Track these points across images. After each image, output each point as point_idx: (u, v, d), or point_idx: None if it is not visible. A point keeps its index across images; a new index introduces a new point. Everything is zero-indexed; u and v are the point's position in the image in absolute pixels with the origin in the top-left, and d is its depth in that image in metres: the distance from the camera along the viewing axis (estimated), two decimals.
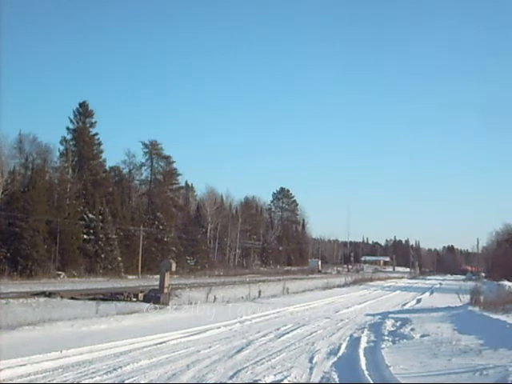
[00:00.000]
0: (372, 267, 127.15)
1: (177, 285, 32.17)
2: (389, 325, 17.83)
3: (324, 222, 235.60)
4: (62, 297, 24.21)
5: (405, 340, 13.64)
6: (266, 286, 38.87)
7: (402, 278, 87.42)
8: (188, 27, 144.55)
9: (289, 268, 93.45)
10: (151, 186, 69.07)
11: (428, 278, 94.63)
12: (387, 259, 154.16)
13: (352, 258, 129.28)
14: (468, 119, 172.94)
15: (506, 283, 40.53)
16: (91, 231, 49.84)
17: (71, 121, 56.99)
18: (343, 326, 17.99)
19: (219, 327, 16.06)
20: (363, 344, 13.12)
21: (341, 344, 13.28)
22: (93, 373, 8.98)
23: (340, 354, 11.79)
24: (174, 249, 60.99)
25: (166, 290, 24.59)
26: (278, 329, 16.35)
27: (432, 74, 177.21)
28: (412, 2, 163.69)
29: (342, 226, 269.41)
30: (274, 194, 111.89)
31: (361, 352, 11.62)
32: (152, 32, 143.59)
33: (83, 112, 57.10)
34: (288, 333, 15.50)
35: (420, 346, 12.33)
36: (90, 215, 50.29)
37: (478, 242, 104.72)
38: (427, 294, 44.50)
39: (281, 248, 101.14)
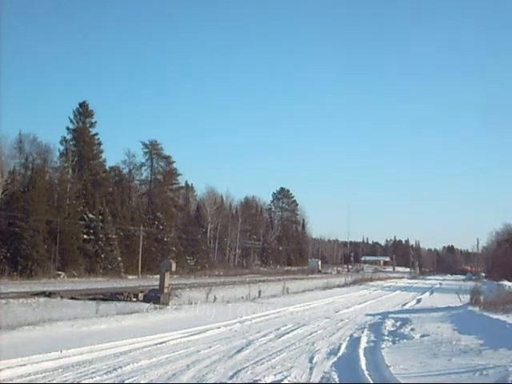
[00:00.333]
0: (372, 267, 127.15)
1: (177, 285, 32.17)
2: (389, 325, 17.83)
3: (324, 222, 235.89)
4: (62, 297, 24.21)
5: (405, 340, 13.64)
6: (266, 286, 38.87)
7: (402, 278, 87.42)
8: (188, 27, 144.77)
9: (289, 268, 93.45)
10: (151, 186, 69.07)
11: (428, 278, 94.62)
12: (387, 259, 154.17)
13: (352, 258, 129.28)
14: (468, 119, 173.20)
15: (506, 283, 40.53)
16: (91, 231, 49.85)
17: (71, 121, 57.09)
18: (343, 326, 17.99)
19: (219, 327, 16.06)
20: (363, 344, 13.12)
21: (341, 344, 13.28)
22: (93, 373, 8.98)
23: (340, 354, 11.79)
24: (174, 249, 61.00)
25: (166, 290, 24.59)
26: (278, 329, 16.36)
27: (432, 74, 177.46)
28: (412, 2, 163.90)
29: (342, 226, 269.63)
30: (274, 194, 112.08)
31: (361, 352, 11.62)
32: (152, 32, 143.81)
33: (83, 112, 57.10)
34: (288, 333, 15.50)
35: (420, 346, 12.33)
36: (90, 215, 50.30)
37: (478, 242, 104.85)
38: (427, 294, 44.50)
39: (281, 248, 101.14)
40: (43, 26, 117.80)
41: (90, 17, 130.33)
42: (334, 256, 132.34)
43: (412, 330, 15.62)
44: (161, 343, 12.57)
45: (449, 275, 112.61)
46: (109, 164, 62.04)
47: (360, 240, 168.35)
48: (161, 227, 60.60)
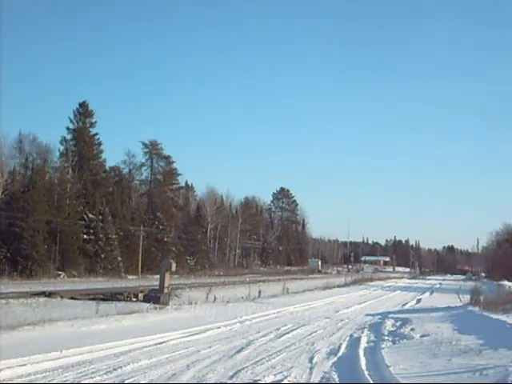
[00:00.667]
0: (372, 267, 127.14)
1: (177, 285, 32.17)
2: (389, 325, 17.82)
3: (324, 222, 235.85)
4: (62, 297, 24.20)
5: (405, 340, 13.64)
6: (266, 286, 38.87)
7: (402, 278, 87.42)
8: (188, 27, 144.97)
9: (289, 268, 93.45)
10: (151, 186, 69.06)
11: (428, 278, 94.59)
12: (387, 259, 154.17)
13: (352, 258, 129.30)
14: (468, 119, 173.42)
15: (506, 283, 40.53)
16: (91, 231, 49.85)
17: (71, 121, 57.06)
18: (343, 326, 17.99)
19: (219, 327, 16.06)
20: (363, 344, 13.12)
21: (341, 344, 13.28)
22: (93, 373, 8.98)
23: (340, 353, 11.79)
24: (173, 249, 61.00)
25: (166, 290, 24.58)
26: (278, 329, 16.36)
27: (432, 74, 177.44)
28: (412, 2, 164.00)
29: (342, 226, 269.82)
30: (274, 194, 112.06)
31: (361, 352, 11.62)
32: (152, 32, 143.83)
33: (83, 112, 57.08)
34: (288, 333, 15.50)
35: (420, 346, 12.33)
36: (90, 215, 50.30)
37: (478, 242, 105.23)
38: (427, 294, 44.49)
39: (281, 248, 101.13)
40: (43, 26, 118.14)
41: (90, 17, 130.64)
42: (334, 256, 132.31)
43: (412, 329, 15.62)
44: (161, 343, 12.57)
45: (449, 275, 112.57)
46: (109, 164, 62.15)
47: (360, 240, 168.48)
48: (161, 227, 60.60)
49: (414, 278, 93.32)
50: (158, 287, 25.19)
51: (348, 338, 14.58)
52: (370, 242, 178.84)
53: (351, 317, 21.89)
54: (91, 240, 49.55)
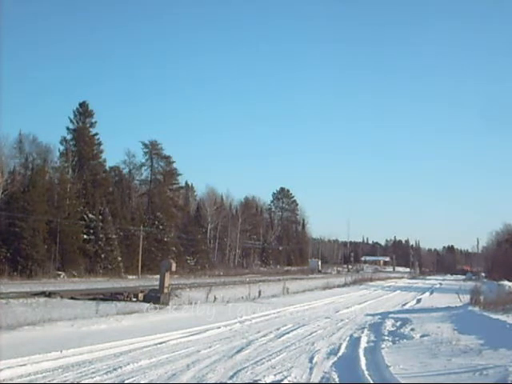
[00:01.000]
0: (372, 267, 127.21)
1: (177, 285, 32.16)
2: (389, 325, 17.81)
3: (324, 222, 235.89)
4: (61, 297, 24.18)
5: (405, 340, 13.63)
6: (266, 286, 38.85)
7: (402, 277, 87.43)
8: (188, 27, 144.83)
9: (289, 268, 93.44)
10: (151, 186, 69.05)
11: (428, 278, 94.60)
12: (387, 259, 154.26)
13: (352, 258, 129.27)
14: (468, 119, 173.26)
15: (506, 283, 40.50)
16: (91, 231, 49.86)
17: (71, 121, 57.03)
18: (343, 326, 17.99)
19: (219, 327, 16.06)
20: (363, 344, 13.12)
21: (341, 344, 13.27)
22: (93, 373, 8.98)
23: (340, 353, 11.78)
24: (173, 249, 61.01)
25: (166, 290, 24.56)
26: (278, 329, 16.36)
27: (432, 74, 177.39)
28: (412, 1, 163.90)
29: (342, 226, 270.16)
30: (274, 194, 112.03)
31: (361, 352, 11.61)
32: (152, 32, 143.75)
33: (83, 112, 57.07)
34: (288, 333, 15.50)
35: (420, 346, 12.33)
36: (90, 215, 50.31)
37: (478, 242, 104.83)
38: (427, 294, 44.49)
39: (281, 248, 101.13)
40: (43, 26, 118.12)
41: (90, 17, 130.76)
42: (334, 256, 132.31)
43: (412, 329, 15.61)
44: (161, 343, 12.57)
45: (449, 275, 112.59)
46: (109, 164, 62.12)
47: (360, 240, 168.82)
48: (161, 227, 60.60)
49: (413, 277, 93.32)
50: (158, 287, 25.17)
51: (348, 338, 14.58)
52: (370, 242, 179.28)
53: (351, 317, 21.89)
54: (91, 240, 49.56)
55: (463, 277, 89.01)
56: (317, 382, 8.87)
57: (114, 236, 51.74)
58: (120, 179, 64.62)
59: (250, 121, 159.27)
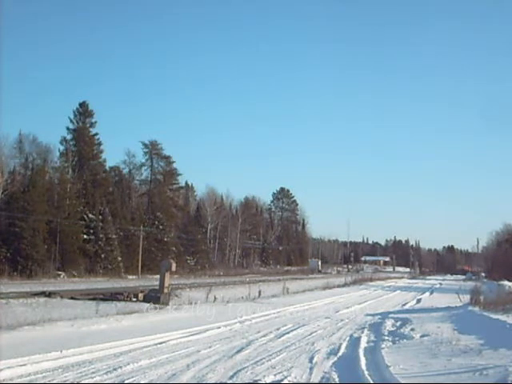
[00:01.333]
0: (372, 267, 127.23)
1: (177, 285, 32.16)
2: (389, 325, 17.81)
3: (324, 222, 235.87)
4: (61, 297, 24.18)
5: (405, 340, 13.63)
6: (266, 286, 38.85)
7: (402, 277, 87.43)
8: (188, 27, 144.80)
9: (289, 268, 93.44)
10: (151, 186, 69.05)
11: (428, 278, 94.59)
12: (387, 259, 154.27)
13: (352, 258, 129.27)
14: (468, 119, 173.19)
15: (506, 283, 40.49)
16: (91, 231, 49.86)
17: (71, 121, 57.03)
18: (343, 326, 17.99)
19: (219, 327, 16.06)
20: (363, 344, 13.11)
21: (341, 344, 13.27)
22: (93, 373, 8.98)
23: (340, 353, 11.78)
24: (173, 249, 61.00)
25: (166, 290, 24.56)
26: (278, 329, 16.35)
27: (432, 74, 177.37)
28: (412, 1, 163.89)
29: (342, 226, 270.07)
30: (274, 194, 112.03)
31: (361, 352, 11.61)
32: (152, 32, 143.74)
33: (83, 112, 57.07)
34: (288, 333, 15.49)
35: (420, 346, 12.33)
36: (90, 215, 50.31)
37: (478, 242, 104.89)
38: (427, 294, 44.49)
39: (281, 248, 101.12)
40: (43, 26, 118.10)
41: (90, 17, 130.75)
42: (334, 256, 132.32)
43: (412, 329, 15.61)
44: (161, 343, 12.57)
45: (449, 275, 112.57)
46: (109, 164, 62.12)
47: (360, 240, 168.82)
48: (161, 227, 60.60)
49: (413, 278, 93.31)
50: (158, 287, 25.17)
51: (348, 338, 14.58)
52: (370, 242, 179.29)
53: (351, 317, 21.89)
54: (91, 240, 49.56)
55: (463, 277, 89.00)
56: (317, 381, 8.87)
57: (113, 236, 51.74)
58: (120, 179, 64.62)
59: (250, 121, 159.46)
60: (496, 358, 9.77)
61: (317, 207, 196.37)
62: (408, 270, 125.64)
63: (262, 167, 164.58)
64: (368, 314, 23.09)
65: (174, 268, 25.69)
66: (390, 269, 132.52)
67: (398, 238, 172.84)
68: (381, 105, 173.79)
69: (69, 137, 56.27)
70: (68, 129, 56.64)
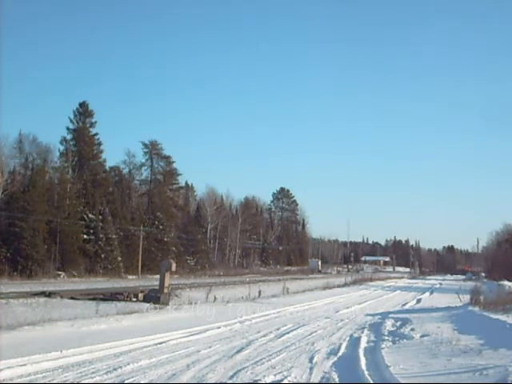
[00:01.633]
0: (372, 267, 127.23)
1: (177, 285, 32.16)
2: (389, 325, 17.81)
3: (324, 222, 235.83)
4: (61, 297, 24.18)
5: (405, 340, 13.63)
6: (266, 286, 38.85)
7: (402, 277, 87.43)
8: (188, 27, 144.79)
9: (289, 268, 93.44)
10: (151, 186, 69.05)
11: (428, 278, 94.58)
12: (387, 259, 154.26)
13: (352, 258, 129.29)
14: (468, 119, 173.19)
15: (506, 283, 40.50)
16: (91, 231, 49.86)
17: (71, 121, 57.03)
18: (343, 326, 17.99)
19: (219, 327, 16.06)
20: (363, 344, 13.11)
21: (341, 344, 13.27)
22: (93, 373, 8.99)
23: (340, 353, 11.78)
24: (173, 249, 61.00)
25: (166, 290, 24.56)
26: (278, 329, 16.35)
27: (432, 74, 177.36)
28: (412, 1, 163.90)
29: (342, 226, 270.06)
30: (274, 194, 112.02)
31: (361, 352, 11.61)
32: (152, 32, 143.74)
33: (83, 112, 57.07)
34: (288, 333, 15.50)
35: (420, 346, 12.33)
36: (90, 215, 50.31)
37: (478, 242, 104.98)
38: (427, 294, 44.49)
39: (281, 248, 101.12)
40: (43, 26, 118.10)
41: (90, 17, 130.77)
42: (334, 256, 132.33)
43: (412, 330, 15.61)
44: (161, 343, 12.57)
45: (449, 275, 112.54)
46: (109, 164, 62.12)
47: (360, 240, 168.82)
48: (161, 227, 60.60)
49: (413, 278, 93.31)
50: (158, 287, 25.17)
51: (348, 338, 14.58)
52: (370, 242, 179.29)
53: (351, 317, 21.89)
54: (91, 240, 49.56)
55: (463, 277, 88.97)
56: (317, 381, 8.87)
57: (114, 236, 51.74)
58: (120, 179, 64.62)
59: (250, 121, 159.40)
60: (496, 357, 9.77)
61: (317, 207, 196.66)
62: (408, 270, 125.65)
63: (261, 167, 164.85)
64: (368, 314, 23.09)
65: (173, 268, 25.69)
66: (389, 269, 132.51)
67: (397, 238, 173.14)
68: (381, 105, 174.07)
69: (69, 137, 56.37)
70: (68, 129, 56.73)
